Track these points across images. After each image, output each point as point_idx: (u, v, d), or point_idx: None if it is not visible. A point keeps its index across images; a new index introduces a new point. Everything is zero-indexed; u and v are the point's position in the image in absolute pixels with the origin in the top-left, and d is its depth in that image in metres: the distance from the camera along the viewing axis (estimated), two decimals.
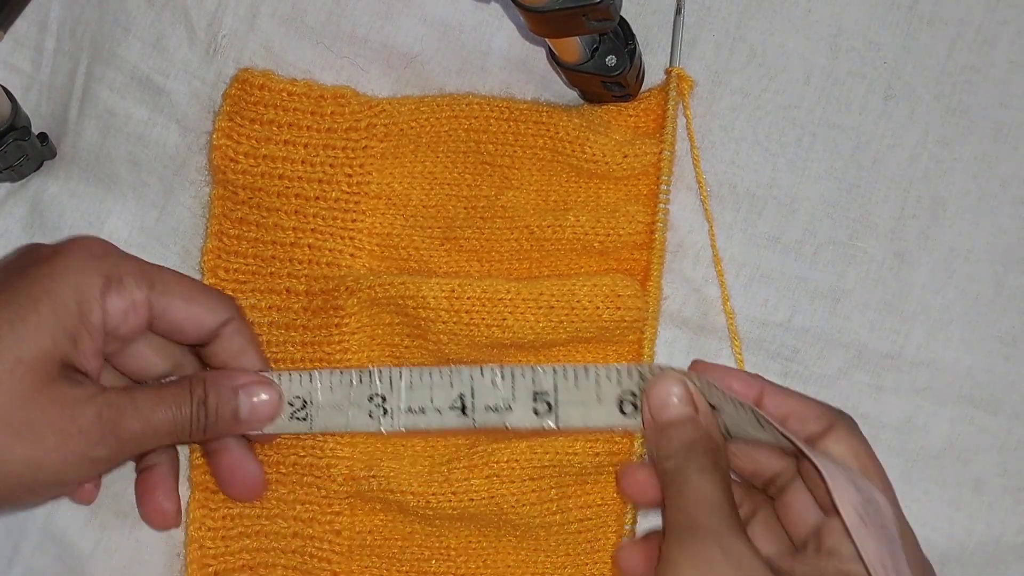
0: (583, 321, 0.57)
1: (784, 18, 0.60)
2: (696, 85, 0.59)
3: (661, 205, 0.58)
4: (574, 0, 0.49)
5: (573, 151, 0.58)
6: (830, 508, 0.48)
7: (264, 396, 0.54)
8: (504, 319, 0.56)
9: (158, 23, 0.60)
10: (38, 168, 0.60)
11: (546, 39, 0.54)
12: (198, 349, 0.55)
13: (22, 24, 0.61)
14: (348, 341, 0.57)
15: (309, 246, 0.57)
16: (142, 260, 0.53)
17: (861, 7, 0.59)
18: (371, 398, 0.55)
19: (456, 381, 0.55)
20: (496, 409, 0.55)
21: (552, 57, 0.56)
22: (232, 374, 0.54)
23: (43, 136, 0.59)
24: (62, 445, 0.48)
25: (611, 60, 0.55)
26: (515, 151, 0.58)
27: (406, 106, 0.58)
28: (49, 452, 0.48)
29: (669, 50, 0.59)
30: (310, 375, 0.55)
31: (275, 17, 0.60)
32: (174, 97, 0.60)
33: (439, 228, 0.59)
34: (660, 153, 0.58)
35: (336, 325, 0.57)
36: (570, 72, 0.57)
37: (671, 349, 0.59)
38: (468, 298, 0.56)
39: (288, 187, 0.57)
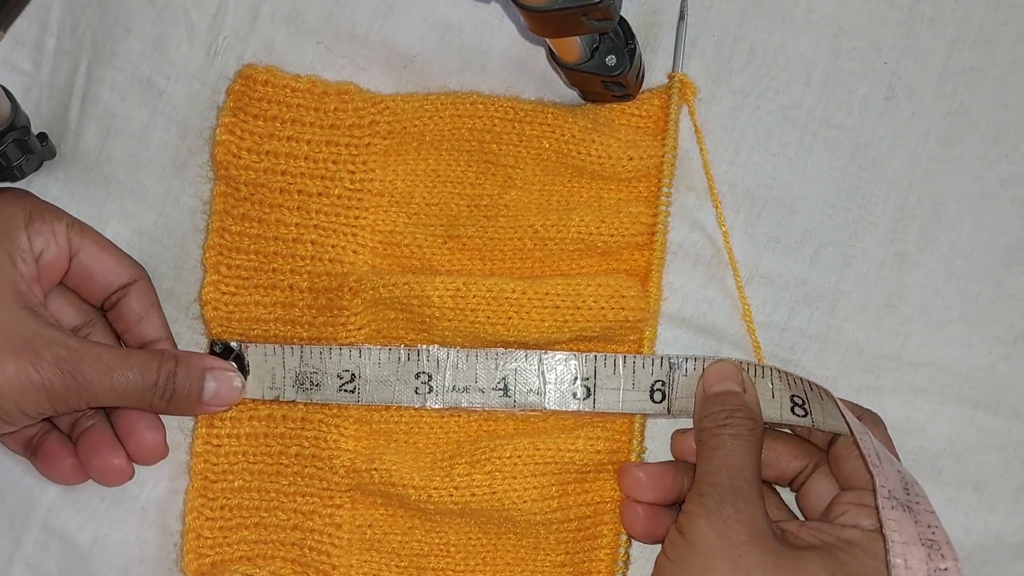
0: (587, 321, 0.57)
1: (785, 18, 0.59)
2: (697, 89, 0.59)
3: (662, 207, 0.58)
4: (574, 0, 0.49)
5: (578, 152, 0.58)
6: (847, 483, 0.53)
7: (228, 382, 0.56)
8: (509, 318, 0.56)
9: (159, 24, 0.60)
10: (38, 168, 0.60)
11: (546, 39, 0.54)
12: (106, 313, 0.58)
13: (23, 23, 0.61)
14: (354, 337, 0.57)
15: (312, 242, 0.57)
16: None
17: (862, 7, 0.59)
18: (418, 375, 0.57)
19: (501, 364, 0.57)
20: (537, 392, 0.57)
21: (552, 57, 0.56)
22: (202, 357, 0.57)
23: (43, 136, 0.59)
24: (21, 373, 0.51)
25: (611, 60, 0.55)
26: (519, 151, 0.58)
27: (410, 103, 0.58)
28: (9, 378, 0.51)
29: (670, 50, 0.59)
30: (359, 350, 0.57)
31: (276, 18, 0.60)
32: (174, 99, 0.60)
33: (442, 226, 0.59)
34: (662, 156, 0.58)
35: (343, 324, 0.57)
36: (570, 72, 0.57)
37: (671, 349, 0.59)
38: (473, 297, 0.56)
39: (291, 183, 0.57)
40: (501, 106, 0.58)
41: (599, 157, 0.58)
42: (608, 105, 0.59)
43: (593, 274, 0.58)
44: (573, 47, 0.54)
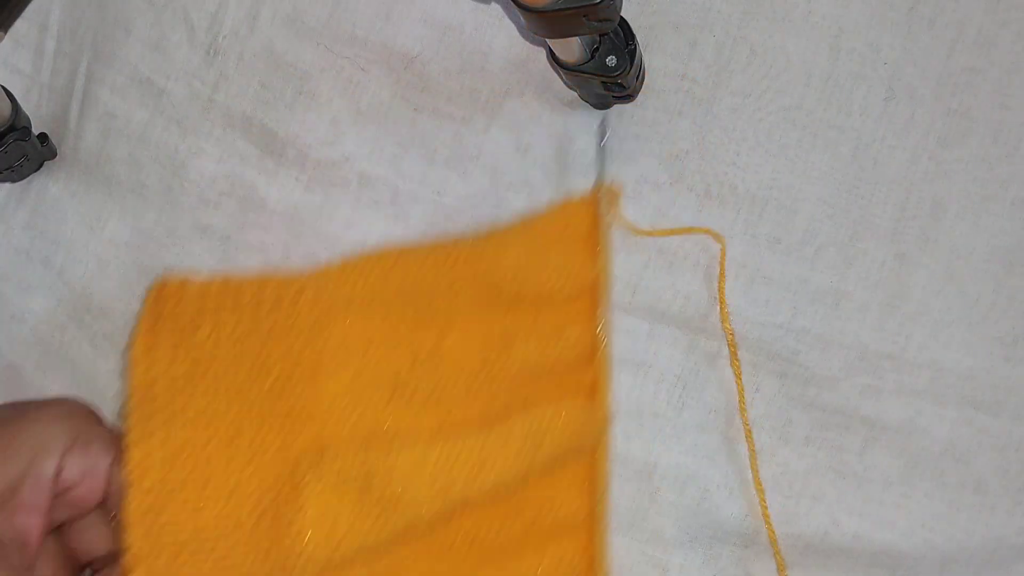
0: (549, 457, 0.55)
1: (785, 19, 0.60)
2: (697, 85, 0.59)
3: (600, 325, 0.57)
4: (574, 0, 0.49)
5: (513, 281, 0.57)
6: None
7: None
8: (475, 477, 0.54)
9: (159, 24, 0.60)
10: (38, 169, 0.60)
11: (546, 39, 0.54)
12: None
13: (23, 25, 0.61)
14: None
15: (251, 439, 0.54)
16: (116, 431, 0.53)
17: (862, 8, 0.59)
18: None
19: None
20: None
21: (552, 57, 0.56)
22: None
23: (43, 136, 0.60)
24: None
25: (611, 60, 0.55)
26: (453, 296, 0.57)
27: (333, 275, 0.56)
28: None
29: (670, 50, 0.59)
30: None
31: (275, 18, 0.60)
32: (174, 99, 0.60)
33: (386, 385, 0.55)
34: (597, 273, 0.57)
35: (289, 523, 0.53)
36: (570, 72, 0.57)
37: (671, 350, 0.59)
38: (434, 463, 0.54)
39: (217, 384, 0.54)
40: (428, 256, 0.57)
41: (535, 284, 0.57)
42: (537, 218, 0.58)
43: (545, 404, 0.56)
44: (573, 48, 0.54)
